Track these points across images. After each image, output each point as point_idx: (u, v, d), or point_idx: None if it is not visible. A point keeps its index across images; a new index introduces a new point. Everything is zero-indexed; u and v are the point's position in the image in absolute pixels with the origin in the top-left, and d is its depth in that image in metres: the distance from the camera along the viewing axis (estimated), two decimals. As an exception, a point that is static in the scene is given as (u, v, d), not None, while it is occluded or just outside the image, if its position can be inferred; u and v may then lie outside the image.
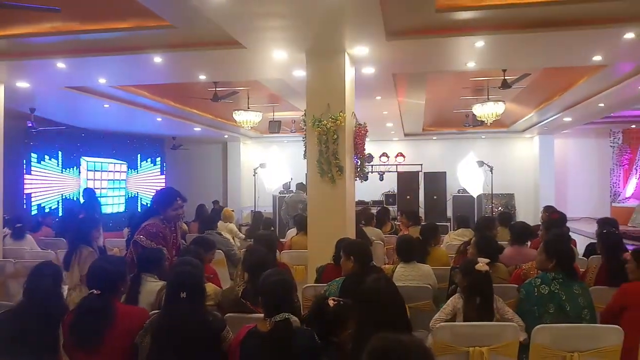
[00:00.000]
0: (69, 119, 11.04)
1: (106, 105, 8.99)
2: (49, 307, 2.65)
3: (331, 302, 2.61)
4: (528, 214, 13.29)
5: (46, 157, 11.09)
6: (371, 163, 12.69)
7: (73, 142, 11.81)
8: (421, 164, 13.18)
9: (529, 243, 4.91)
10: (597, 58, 6.08)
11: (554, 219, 5.83)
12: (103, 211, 11.90)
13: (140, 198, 13.63)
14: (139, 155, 13.62)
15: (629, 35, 5.18)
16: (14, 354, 2.54)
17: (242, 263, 3.47)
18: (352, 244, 3.71)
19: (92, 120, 11.25)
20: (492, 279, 3.20)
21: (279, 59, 5.80)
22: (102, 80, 7.06)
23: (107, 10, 5.01)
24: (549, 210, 6.72)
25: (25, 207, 10.44)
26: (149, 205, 4.33)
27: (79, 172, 11.94)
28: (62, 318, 2.63)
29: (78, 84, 7.56)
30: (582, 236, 9.41)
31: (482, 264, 3.14)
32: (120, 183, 13.09)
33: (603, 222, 5.65)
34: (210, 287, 3.47)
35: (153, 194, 13.35)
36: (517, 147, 14.56)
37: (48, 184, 11.13)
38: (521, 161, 14.44)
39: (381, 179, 13.28)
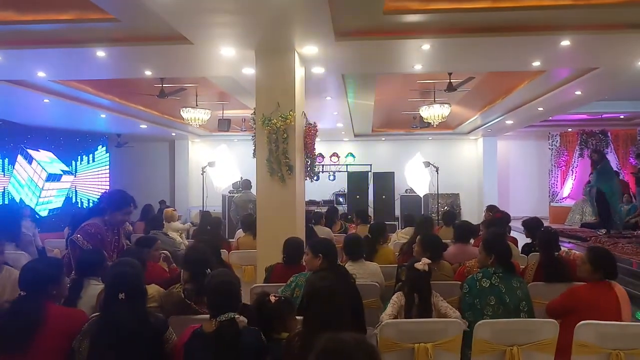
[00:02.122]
0: (6, 113, 10.46)
1: (46, 100, 8.59)
2: None
3: (272, 298, 2.61)
4: (472, 213, 13.74)
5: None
6: (322, 163, 12.76)
7: (10, 138, 11.21)
8: (371, 164, 13.37)
9: (472, 241, 5.07)
10: (536, 63, 6.36)
11: (497, 218, 6.04)
12: (38, 213, 11.42)
13: (81, 197, 13.11)
14: (82, 153, 13.09)
15: (565, 43, 5.45)
16: None
17: (182, 262, 3.40)
18: (320, 242, 3.73)
19: (32, 115, 10.70)
20: (430, 278, 3.29)
21: (228, 56, 5.72)
22: (41, 74, 6.75)
23: (45, 0, 4.79)
24: (492, 209, 6.96)
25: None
26: (95, 204, 4.18)
27: (14, 171, 11.34)
28: None
29: (15, 77, 7.19)
30: (522, 234, 9.78)
31: (422, 263, 3.24)
32: (61, 181, 12.54)
33: (529, 225, 5.66)
34: (153, 288, 3.37)
35: (98, 192, 12.93)
36: (462, 149, 15.02)
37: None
38: (466, 162, 14.90)
39: (332, 178, 13.38)
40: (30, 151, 11.72)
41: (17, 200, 11.28)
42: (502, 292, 3.22)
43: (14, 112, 10.35)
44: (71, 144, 12.81)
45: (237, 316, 2.42)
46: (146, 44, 5.39)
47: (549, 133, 14.28)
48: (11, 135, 11.29)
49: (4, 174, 11.12)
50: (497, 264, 3.34)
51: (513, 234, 6.46)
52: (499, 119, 11.29)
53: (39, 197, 11.90)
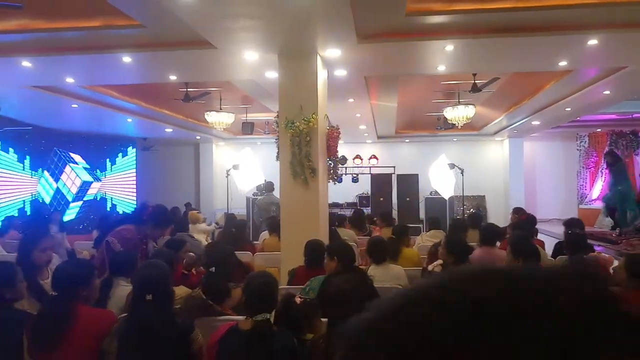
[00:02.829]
0: (36, 119, 10.76)
1: (74, 106, 8.79)
2: None
3: (298, 300, 2.61)
4: (499, 215, 13.54)
5: (11, 158, 10.79)
6: (344, 165, 12.74)
7: (40, 143, 11.52)
8: (394, 166, 13.29)
9: (498, 244, 5.00)
10: (563, 63, 6.24)
11: (522, 220, 5.95)
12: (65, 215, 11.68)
13: (109, 200, 13.37)
14: (109, 157, 13.36)
15: (593, 42, 5.33)
16: None
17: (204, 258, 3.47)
18: (335, 245, 3.75)
19: (61, 120, 10.98)
20: None
21: (251, 60, 5.77)
22: (69, 80, 6.91)
23: (74, 8, 4.91)
24: (518, 212, 6.86)
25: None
26: (133, 212, 4.32)
27: (45, 174, 11.64)
28: (9, 325, 2.58)
29: (45, 84, 7.38)
30: (550, 237, 9.62)
31: (434, 264, 3.23)
32: (89, 184, 12.82)
33: (569, 223, 5.78)
34: (182, 290, 3.43)
35: (125, 196, 13.15)
36: (487, 150, 14.82)
37: (12, 186, 10.82)
38: (492, 164, 14.69)
39: (355, 180, 13.35)
40: (61, 156, 12.01)
41: (47, 203, 11.56)
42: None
43: (44, 118, 10.64)
44: (99, 148, 13.09)
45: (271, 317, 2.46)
46: (171, 49, 5.48)
47: (577, 134, 13.99)
48: (42, 140, 11.59)
49: (39, 178, 11.42)
50: (524, 266, 3.29)
51: (540, 236, 6.36)
52: (525, 120, 11.11)
53: (71, 202, 12.20)
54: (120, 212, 12.92)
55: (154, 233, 4.06)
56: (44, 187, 11.60)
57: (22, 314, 2.70)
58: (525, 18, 4.92)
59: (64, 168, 12.15)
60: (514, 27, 5.09)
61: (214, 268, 3.31)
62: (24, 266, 2.89)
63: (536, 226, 6.22)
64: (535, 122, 11.40)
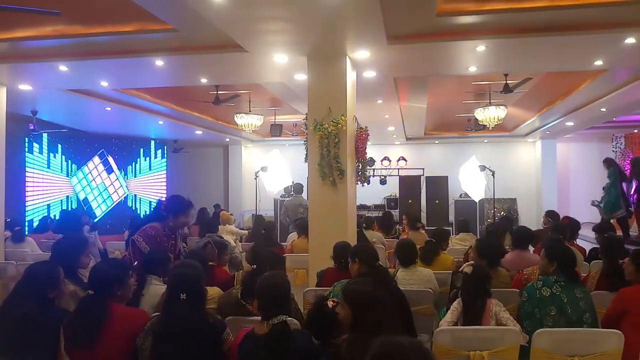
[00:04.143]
0: (71, 121, 11.07)
1: (108, 108, 9.01)
2: (34, 311, 2.66)
3: (330, 303, 2.61)
4: (531, 218, 13.26)
5: (50, 159, 11.12)
6: (373, 167, 12.69)
7: (74, 145, 11.84)
8: (423, 168, 13.17)
9: (531, 248, 4.90)
10: (598, 63, 6.08)
11: (565, 223, 5.74)
12: (98, 216, 11.98)
13: (139, 201, 13.64)
14: (140, 158, 13.64)
15: (630, 40, 5.18)
16: (14, 350, 2.58)
17: (249, 255, 3.52)
18: (356, 247, 3.74)
19: (94, 123, 11.27)
20: (485, 284, 3.21)
21: (280, 62, 5.80)
22: (104, 83, 7.07)
23: (109, 13, 5.02)
24: (551, 215, 6.69)
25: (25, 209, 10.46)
26: (152, 211, 4.38)
27: (79, 174, 11.96)
28: (50, 320, 2.64)
29: (80, 87, 7.58)
30: (584, 241, 9.38)
31: (465, 265, 3.21)
32: (121, 185, 13.11)
33: (599, 228, 5.63)
34: (214, 290, 3.48)
35: (156, 197, 13.43)
36: (519, 152, 14.53)
37: (48, 187, 11.14)
38: (523, 165, 14.40)
39: (383, 182, 13.28)
40: (94, 157, 12.33)
41: (79, 204, 11.87)
42: (564, 302, 3.07)
43: (78, 120, 10.94)
44: (131, 150, 13.37)
45: (288, 319, 2.45)
46: (203, 52, 5.54)
47: (613, 135, 13.59)
48: (76, 141, 11.91)
49: (73, 179, 11.74)
50: (559, 272, 3.19)
51: (578, 242, 6.18)
52: (558, 121, 10.86)
53: (103, 202, 12.51)
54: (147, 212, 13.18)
55: (176, 224, 4.06)
56: (77, 188, 11.91)
57: (61, 311, 2.78)
58: (560, 17, 4.80)
59: (97, 169, 12.46)
60: (548, 27, 4.98)
61: (255, 266, 3.35)
62: (63, 266, 2.98)
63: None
64: (569, 123, 11.14)
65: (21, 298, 2.73)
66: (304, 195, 9.05)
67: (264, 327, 2.43)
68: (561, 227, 5.28)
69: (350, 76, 5.69)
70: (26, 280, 2.79)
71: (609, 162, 9.08)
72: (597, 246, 5.15)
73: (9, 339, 2.63)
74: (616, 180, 8.46)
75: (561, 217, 6.44)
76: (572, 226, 5.62)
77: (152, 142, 13.88)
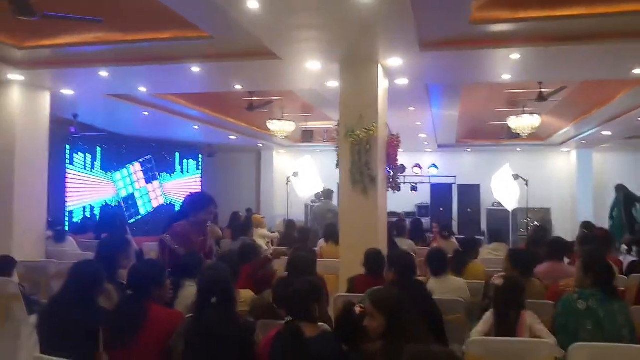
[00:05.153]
0: (110, 125, 11.40)
1: (145, 113, 9.25)
2: (76, 308, 2.74)
3: (358, 309, 2.63)
4: (565, 229, 12.92)
5: (86, 161, 11.46)
6: (404, 174, 12.62)
7: (112, 148, 12.17)
8: (455, 176, 13.04)
9: (566, 259, 4.80)
10: (637, 71, 5.93)
11: (598, 236, 5.59)
12: (135, 218, 12.27)
13: (174, 204, 13.91)
14: (176, 162, 13.92)
15: (671, 48, 5.05)
16: (53, 345, 2.66)
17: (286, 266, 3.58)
18: (395, 255, 3.74)
19: (131, 127, 11.57)
20: (519, 295, 3.16)
21: (313, 69, 5.87)
22: (142, 89, 7.27)
23: (148, 21, 5.18)
24: (587, 226, 6.54)
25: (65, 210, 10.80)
26: (180, 208, 4.45)
27: (117, 177, 12.29)
28: (92, 319, 2.71)
29: (119, 92, 7.79)
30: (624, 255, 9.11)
31: (496, 277, 3.17)
32: (157, 188, 13.41)
33: (632, 242, 5.47)
34: (246, 293, 3.53)
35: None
36: (553, 161, 14.22)
37: (86, 189, 11.48)
38: (558, 175, 14.09)
39: (414, 189, 13.19)
40: (132, 161, 12.67)
41: (117, 206, 12.19)
42: (601, 317, 2.97)
43: (116, 124, 11.26)
44: (166, 154, 13.66)
45: (311, 323, 2.48)
46: (237, 59, 5.65)
47: (653, 144, 13.18)
48: (115, 145, 12.25)
49: (112, 181, 12.07)
50: (596, 285, 3.09)
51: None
52: (594, 130, 10.59)
53: (140, 205, 12.84)
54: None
55: (197, 220, 4.09)
56: (119, 185, 12.25)
57: (101, 310, 2.86)
58: (597, 25, 4.71)
59: (134, 172, 12.78)
60: (585, 35, 4.89)
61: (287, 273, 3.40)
62: (105, 266, 3.07)
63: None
64: (606, 133, 10.85)
65: (68, 297, 2.82)
66: (334, 201, 9.08)
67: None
68: (590, 239, 5.14)
69: (382, 83, 5.70)
70: (74, 279, 2.86)
71: (616, 189, 8.92)
72: (636, 259, 5.01)
73: (52, 337, 2.72)
74: (620, 206, 8.30)
75: (602, 229, 6.28)
76: (607, 238, 5.48)
77: (187, 147, 14.15)
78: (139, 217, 12.80)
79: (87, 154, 11.42)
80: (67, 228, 9.70)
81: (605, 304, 3.02)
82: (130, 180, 12.68)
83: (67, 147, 10.80)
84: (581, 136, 11.48)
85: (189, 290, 3.35)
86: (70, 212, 10.90)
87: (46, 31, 5.36)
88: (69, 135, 10.32)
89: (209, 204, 4.15)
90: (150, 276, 2.80)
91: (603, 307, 3.01)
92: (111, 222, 7.78)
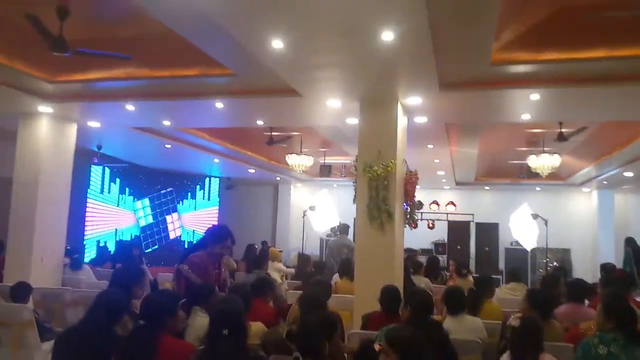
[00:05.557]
0: (132, 156, 11.63)
1: (168, 146, 9.44)
2: (95, 336, 2.77)
3: (377, 347, 2.61)
4: (586, 271, 12.65)
5: (107, 190, 11.67)
6: (421, 210, 12.56)
7: (133, 179, 12.39)
8: (472, 214, 12.94)
9: (586, 302, 4.71)
10: (659, 112, 5.92)
11: (618, 277, 5.47)
12: (152, 248, 12.37)
13: (191, 234, 14.01)
14: (194, 194, 14.10)
15: (692, 90, 5.04)
16: None
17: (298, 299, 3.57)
18: (411, 292, 3.71)
19: (153, 158, 11.80)
20: (537, 336, 3.10)
21: (334, 107, 5.97)
22: (166, 122, 7.44)
23: (174, 58, 5.36)
24: (606, 269, 6.41)
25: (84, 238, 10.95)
26: (200, 238, 4.50)
27: (137, 207, 12.47)
28: (108, 347, 2.73)
29: (144, 125, 7.97)
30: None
31: (513, 318, 3.12)
32: (175, 219, 13.55)
33: None
34: (257, 326, 3.53)
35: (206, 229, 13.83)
36: (574, 201, 14.05)
37: (106, 217, 11.65)
38: (578, 216, 13.88)
39: (431, 227, 13.10)
40: (153, 191, 12.87)
41: (132, 237, 12.34)
42: (622, 362, 2.90)
43: (139, 156, 11.49)
44: (186, 185, 13.86)
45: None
46: (260, 96, 5.77)
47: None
48: (137, 176, 12.48)
49: (132, 211, 12.25)
50: (618, 329, 3.00)
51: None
52: (616, 171, 10.48)
53: (157, 237, 12.99)
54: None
55: (214, 251, 4.12)
56: (136, 219, 12.41)
57: (118, 337, 2.89)
58: (617, 67, 4.74)
59: (154, 203, 12.96)
60: (605, 77, 4.91)
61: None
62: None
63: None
64: (628, 174, 10.71)
65: (89, 324, 2.85)
66: (350, 236, 9.06)
67: None
68: (612, 282, 5.03)
69: (402, 121, 5.77)
70: (98, 307, 2.90)
71: (626, 242, 8.77)
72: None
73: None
74: (630, 261, 8.13)
75: (623, 270, 6.16)
76: (628, 279, 5.36)
77: (207, 179, 14.35)
78: (156, 247, 12.90)
79: (108, 184, 11.63)
80: (85, 257, 9.82)
81: (628, 349, 2.94)
82: (150, 211, 12.86)
83: (90, 176, 11.02)
84: (602, 177, 11.35)
85: (201, 321, 3.36)
86: (88, 241, 11.04)
87: (76, 66, 5.57)
88: (91, 164, 10.56)
89: (226, 238, 4.19)
90: (164, 307, 2.83)
91: (625, 352, 2.93)
92: (127, 252, 7.86)
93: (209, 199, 14.42)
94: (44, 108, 6.64)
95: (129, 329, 3.06)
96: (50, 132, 6.98)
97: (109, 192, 11.70)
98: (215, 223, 14.30)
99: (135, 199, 12.45)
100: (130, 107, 6.46)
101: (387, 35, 3.81)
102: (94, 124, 7.54)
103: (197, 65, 5.40)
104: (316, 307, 3.31)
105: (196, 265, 4.00)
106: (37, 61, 5.54)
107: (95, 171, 11.10)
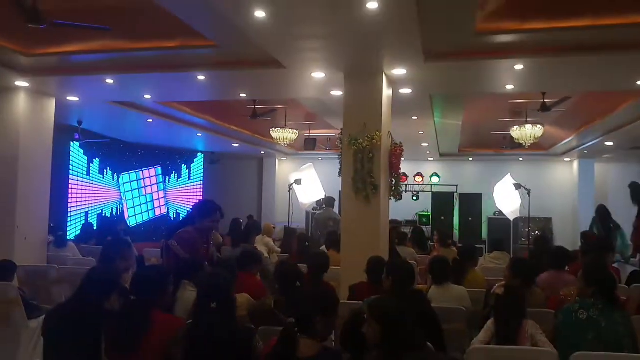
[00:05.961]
0: (113, 132, 11.45)
1: (149, 120, 9.30)
2: (87, 312, 2.76)
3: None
4: (566, 239, 12.90)
5: (90, 167, 11.51)
6: (405, 182, 12.65)
7: (115, 155, 12.23)
8: (456, 185, 13.06)
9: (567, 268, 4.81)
10: (642, 82, 5.97)
11: (598, 241, 5.59)
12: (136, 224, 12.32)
13: (175, 209, 13.96)
14: (178, 169, 13.99)
15: (675, 60, 5.08)
16: (60, 350, 2.68)
17: (273, 274, 3.57)
18: (393, 263, 3.75)
19: (135, 134, 11.64)
20: (520, 304, 3.18)
21: (318, 79, 5.91)
22: (147, 96, 7.31)
23: (155, 29, 5.22)
24: (586, 236, 6.54)
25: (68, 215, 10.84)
26: (187, 214, 4.50)
27: (119, 184, 12.34)
28: (100, 323, 2.73)
29: (124, 99, 7.84)
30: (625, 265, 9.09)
31: (496, 286, 3.19)
32: (159, 195, 13.46)
33: None
34: (243, 297, 3.55)
35: (192, 204, 13.82)
36: (555, 171, 14.25)
37: (89, 194, 11.52)
38: (560, 185, 14.10)
39: (416, 198, 13.20)
40: (135, 167, 12.73)
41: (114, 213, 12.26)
42: (602, 327, 2.96)
43: (121, 131, 11.32)
44: (169, 161, 13.73)
45: (307, 339, 2.45)
46: (242, 68, 5.68)
47: (655, 155, 13.19)
48: (119, 151, 12.31)
49: (115, 188, 12.13)
50: (598, 295, 3.07)
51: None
52: (597, 141, 10.61)
53: (142, 211, 12.90)
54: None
55: (202, 227, 4.13)
56: (120, 194, 12.30)
57: (106, 314, 2.88)
58: (600, 36, 4.74)
59: (137, 178, 12.84)
60: (588, 46, 4.92)
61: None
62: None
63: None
64: (609, 143, 10.87)
65: (80, 301, 2.83)
66: (336, 209, 9.10)
67: None
68: (592, 248, 5.16)
69: (386, 93, 5.74)
70: (90, 283, 2.87)
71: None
72: (637, 269, 5.02)
73: (59, 340, 2.73)
74: (594, 226, 8.19)
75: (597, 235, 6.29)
76: (604, 244, 5.50)
77: (190, 154, 14.22)
78: (141, 222, 12.85)
79: (89, 160, 11.47)
80: (69, 234, 9.74)
81: (607, 313, 3.02)
82: (137, 185, 12.76)
83: (71, 153, 10.85)
84: (584, 146, 11.50)
85: (190, 295, 3.36)
86: (72, 218, 10.94)
87: (53, 39, 5.40)
88: (72, 141, 10.38)
89: (215, 211, 4.19)
90: (154, 282, 2.82)
91: (604, 317, 3.01)
92: (112, 228, 7.80)
93: (192, 174, 14.32)
94: (21, 82, 6.46)
95: (115, 304, 3.05)
96: (28, 107, 6.82)
97: (92, 169, 11.54)
98: (201, 198, 14.28)
99: (119, 175, 12.31)
100: (109, 80, 6.32)
101: (372, 4, 3.76)
102: (72, 98, 7.37)
103: (178, 36, 5.27)
104: (294, 280, 3.32)
105: (185, 240, 4.01)
106: (12, 34, 5.36)
107: (76, 148, 10.91)
